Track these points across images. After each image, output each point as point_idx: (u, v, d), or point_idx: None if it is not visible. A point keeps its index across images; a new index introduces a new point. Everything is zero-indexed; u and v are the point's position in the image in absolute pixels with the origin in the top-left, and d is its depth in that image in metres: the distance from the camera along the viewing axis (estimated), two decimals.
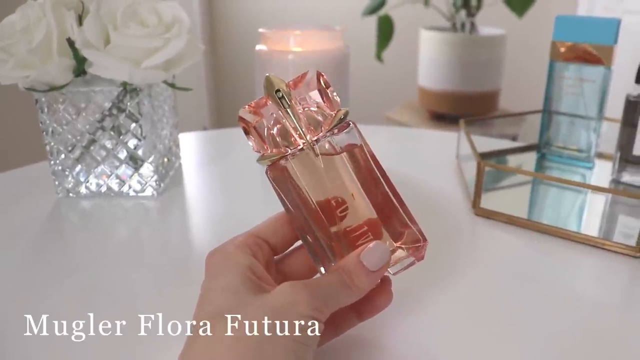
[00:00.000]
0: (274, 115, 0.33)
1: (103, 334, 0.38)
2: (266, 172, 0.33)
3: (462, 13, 1.77)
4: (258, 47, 0.65)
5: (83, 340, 0.38)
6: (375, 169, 0.34)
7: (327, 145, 0.33)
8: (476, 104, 1.75)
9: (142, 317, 0.40)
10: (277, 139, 0.33)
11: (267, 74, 0.33)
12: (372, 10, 1.77)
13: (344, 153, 0.33)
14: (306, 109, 0.33)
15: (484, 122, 0.81)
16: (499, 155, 0.72)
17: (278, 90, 0.32)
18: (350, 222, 0.33)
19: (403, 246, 0.34)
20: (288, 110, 0.32)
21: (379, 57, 1.84)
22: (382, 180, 0.34)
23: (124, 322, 0.39)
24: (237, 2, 2.61)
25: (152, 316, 0.40)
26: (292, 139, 0.32)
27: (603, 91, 0.62)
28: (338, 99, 0.34)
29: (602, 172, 0.66)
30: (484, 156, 0.68)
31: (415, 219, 0.34)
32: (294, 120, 0.32)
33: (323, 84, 0.33)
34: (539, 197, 0.63)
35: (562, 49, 0.62)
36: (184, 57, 0.57)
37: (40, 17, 0.51)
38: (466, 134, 0.64)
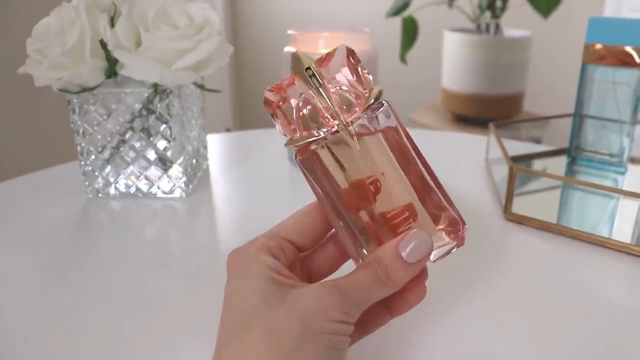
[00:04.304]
0: (303, 95, 0.30)
1: (129, 333, 0.39)
2: (295, 157, 0.31)
3: (487, 14, 1.75)
4: (287, 48, 0.65)
5: (108, 339, 0.38)
6: (411, 149, 0.32)
7: (359, 127, 0.31)
8: (500, 107, 1.73)
9: (169, 317, 0.40)
10: (307, 121, 0.30)
11: (294, 51, 0.31)
12: (396, 12, 1.76)
13: (380, 134, 0.31)
14: (337, 87, 0.31)
15: (509, 124, 0.80)
16: (528, 159, 0.71)
17: (308, 68, 0.30)
18: (389, 207, 0.31)
19: (444, 231, 0.32)
20: (320, 89, 0.30)
21: (403, 58, 1.83)
22: (417, 160, 0.32)
23: (150, 322, 0.40)
24: (260, 3, 2.62)
25: (179, 317, 0.40)
26: (323, 121, 0.30)
27: (637, 94, 0.61)
28: (370, 77, 0.31)
29: (635, 177, 0.64)
30: (513, 160, 0.67)
31: (452, 201, 0.32)
32: (327, 100, 0.30)
33: (353, 61, 0.31)
34: (570, 202, 0.62)
35: (595, 51, 0.61)
36: (214, 59, 0.57)
37: (74, 20, 0.52)
38: (496, 138, 0.63)
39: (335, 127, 0.30)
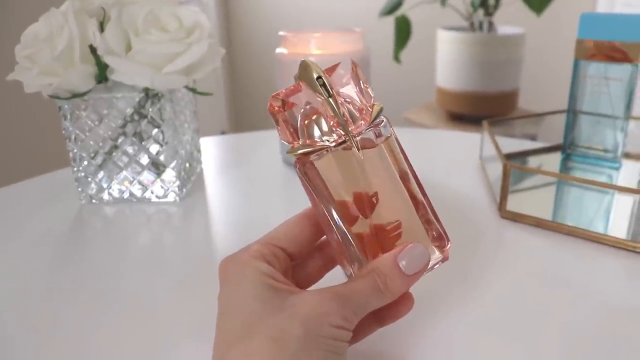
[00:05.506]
0: (309, 104, 0.30)
1: (123, 338, 0.38)
2: (295, 165, 0.31)
3: (480, 12, 1.76)
4: (278, 50, 0.65)
5: (102, 344, 0.38)
6: (406, 164, 0.32)
7: (362, 140, 0.31)
8: (495, 104, 1.73)
9: (164, 322, 0.40)
10: (313, 130, 0.30)
11: (303, 59, 0.30)
12: (390, 11, 1.76)
13: (382, 147, 0.31)
14: (342, 100, 0.31)
15: (503, 122, 0.80)
16: (522, 156, 0.71)
17: (319, 77, 0.29)
18: (386, 219, 0.31)
19: (435, 245, 0.32)
20: (330, 99, 0.29)
21: (396, 57, 1.83)
22: (410, 175, 0.32)
23: (145, 328, 0.39)
24: (253, 5, 2.61)
25: (174, 321, 0.40)
26: (328, 131, 0.30)
27: (630, 89, 0.61)
28: (372, 93, 0.32)
29: (629, 173, 0.64)
30: (508, 157, 0.67)
31: (439, 218, 0.33)
32: (336, 110, 0.30)
33: (358, 75, 0.31)
34: (565, 198, 0.62)
35: (587, 47, 0.61)
36: (205, 62, 0.57)
37: (63, 25, 0.52)
38: (490, 135, 0.63)
39: (342, 138, 0.30)
